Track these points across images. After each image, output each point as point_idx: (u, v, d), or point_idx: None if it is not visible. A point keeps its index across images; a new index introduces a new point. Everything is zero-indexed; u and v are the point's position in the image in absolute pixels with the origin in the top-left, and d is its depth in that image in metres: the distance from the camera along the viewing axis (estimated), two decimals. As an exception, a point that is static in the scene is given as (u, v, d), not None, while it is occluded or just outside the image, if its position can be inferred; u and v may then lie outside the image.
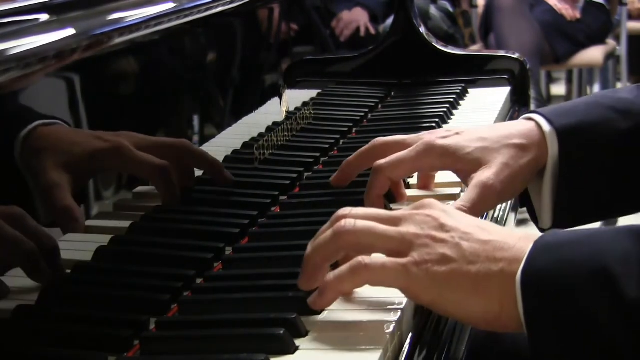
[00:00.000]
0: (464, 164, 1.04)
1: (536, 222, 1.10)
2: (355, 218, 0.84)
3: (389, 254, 0.82)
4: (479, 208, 1.01)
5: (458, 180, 1.14)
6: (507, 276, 0.78)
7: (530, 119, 1.07)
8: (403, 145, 1.08)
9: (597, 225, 0.98)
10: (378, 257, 0.81)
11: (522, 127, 1.06)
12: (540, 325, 0.76)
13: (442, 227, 0.82)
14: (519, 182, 1.04)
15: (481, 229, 0.82)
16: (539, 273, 0.77)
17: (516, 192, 1.06)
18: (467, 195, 1.01)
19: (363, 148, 1.12)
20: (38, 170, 0.89)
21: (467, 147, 1.05)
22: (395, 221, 0.84)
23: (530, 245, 0.79)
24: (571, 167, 1.05)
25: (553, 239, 0.79)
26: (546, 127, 1.05)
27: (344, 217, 0.85)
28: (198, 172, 1.17)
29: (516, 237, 0.81)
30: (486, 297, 0.79)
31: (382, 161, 1.07)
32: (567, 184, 1.05)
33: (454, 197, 1.14)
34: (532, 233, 0.82)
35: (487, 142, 1.04)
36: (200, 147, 1.21)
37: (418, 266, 0.80)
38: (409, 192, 1.15)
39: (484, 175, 1.02)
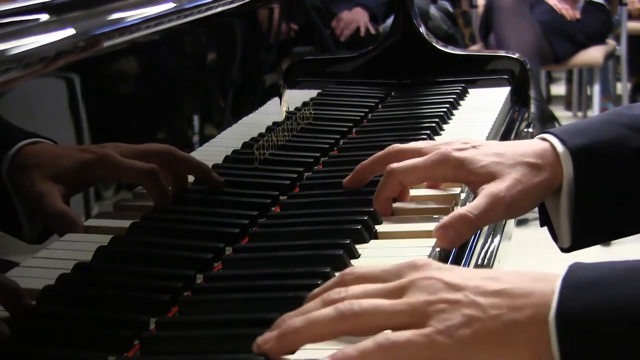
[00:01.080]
0: (477, 176, 1.04)
1: (556, 241, 1.10)
2: (353, 297, 0.78)
3: (399, 328, 0.75)
4: (485, 217, 1.00)
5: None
6: (536, 322, 0.73)
7: (544, 139, 1.07)
8: (419, 153, 1.08)
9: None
10: (400, 333, 0.74)
11: (537, 146, 1.06)
12: None
13: (450, 287, 0.76)
14: (530, 199, 1.04)
15: (489, 279, 0.76)
16: (576, 315, 0.72)
17: (526, 210, 1.05)
18: (475, 202, 1.01)
19: (378, 153, 1.12)
20: (27, 186, 0.89)
21: (482, 160, 1.04)
22: (397, 292, 0.77)
23: (556, 285, 0.74)
24: (586, 187, 1.04)
25: (586, 275, 0.74)
26: (560, 147, 1.05)
27: (342, 298, 0.78)
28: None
29: (529, 280, 0.76)
30: (519, 350, 0.73)
31: (395, 165, 1.07)
32: (583, 204, 1.05)
33: (454, 197, 1.14)
34: (543, 272, 0.77)
35: (502, 157, 1.04)
36: (200, 147, 1.21)
37: (442, 334, 0.74)
38: (413, 192, 1.15)
39: (495, 186, 1.02)
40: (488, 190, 1.01)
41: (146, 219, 1.04)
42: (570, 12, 4.54)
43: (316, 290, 0.81)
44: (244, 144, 1.32)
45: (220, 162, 1.25)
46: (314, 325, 0.76)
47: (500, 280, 0.76)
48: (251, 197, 1.15)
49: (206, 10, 1.23)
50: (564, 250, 1.09)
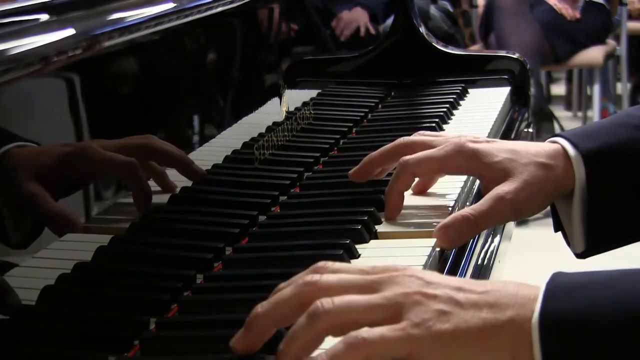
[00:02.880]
0: (490, 171, 1.04)
1: (570, 246, 1.09)
2: (326, 286, 0.74)
3: (377, 325, 0.72)
4: (487, 219, 1.00)
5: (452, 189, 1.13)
6: (518, 324, 0.71)
7: (555, 142, 1.06)
8: (429, 145, 1.07)
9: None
10: (372, 329, 0.71)
11: (549, 148, 1.05)
12: None
13: (429, 284, 0.73)
14: (539, 200, 1.03)
15: (471, 283, 0.75)
16: (560, 316, 0.71)
17: (535, 211, 1.04)
18: (479, 204, 1.00)
19: (388, 145, 1.11)
20: (13, 190, 0.88)
21: (496, 155, 1.04)
22: (374, 287, 0.74)
23: (540, 290, 0.73)
24: (599, 191, 1.04)
25: (569, 280, 0.73)
26: (571, 151, 1.04)
27: (314, 284, 0.74)
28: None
29: (513, 285, 0.74)
30: (496, 350, 0.71)
31: (408, 157, 1.06)
32: (596, 208, 1.04)
33: (446, 208, 1.13)
34: (526, 283, 0.75)
35: (515, 154, 1.04)
36: (200, 147, 1.21)
37: (418, 327, 0.71)
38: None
39: (503, 188, 1.01)
40: (495, 192, 1.01)
41: (146, 219, 1.04)
42: (570, 12, 4.54)
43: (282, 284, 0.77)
44: (244, 144, 1.32)
45: (220, 162, 1.25)
46: (295, 339, 0.72)
47: (483, 284, 0.74)
48: (251, 197, 1.15)
49: (206, 10, 1.23)
50: (578, 255, 1.09)
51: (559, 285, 0.73)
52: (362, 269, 0.77)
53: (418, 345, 0.71)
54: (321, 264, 0.77)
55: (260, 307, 0.74)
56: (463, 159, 1.05)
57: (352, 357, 0.70)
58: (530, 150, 1.05)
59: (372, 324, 0.72)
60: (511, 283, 0.74)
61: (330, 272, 0.76)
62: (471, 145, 1.05)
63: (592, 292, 0.72)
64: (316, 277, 0.75)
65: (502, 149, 1.05)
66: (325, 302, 0.72)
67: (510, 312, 0.72)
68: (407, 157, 1.06)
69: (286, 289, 0.75)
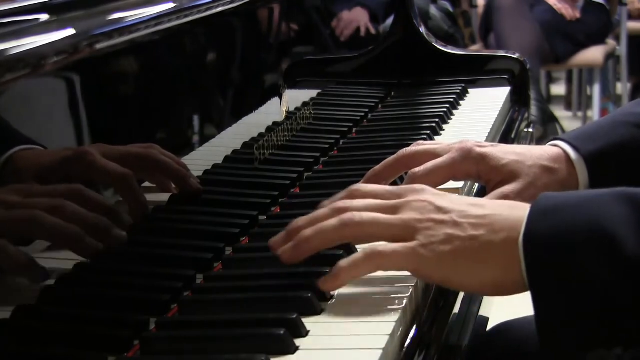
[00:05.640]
0: (499, 174, 1.04)
1: None
2: (357, 209, 0.88)
3: (392, 241, 0.86)
4: None
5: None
6: (509, 244, 0.83)
7: (556, 145, 1.07)
8: (433, 155, 1.07)
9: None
10: (387, 244, 0.86)
11: (552, 152, 1.06)
12: (543, 286, 0.81)
13: (439, 210, 0.87)
14: None
15: (474, 206, 0.87)
16: (538, 236, 0.82)
17: None
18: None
19: (390, 158, 1.10)
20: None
21: (503, 158, 1.05)
22: (394, 209, 0.88)
23: (526, 211, 0.83)
24: None
25: (549, 202, 0.84)
26: (573, 155, 1.05)
27: (347, 209, 0.89)
28: (198, 172, 1.17)
29: (507, 207, 0.86)
30: (491, 265, 0.84)
31: (417, 169, 1.06)
32: None
33: (457, 191, 1.13)
34: (519, 204, 0.87)
35: (521, 157, 1.05)
36: (200, 147, 1.21)
37: (425, 248, 0.84)
38: None
39: (508, 187, 1.03)
40: (499, 190, 1.03)
41: (146, 219, 1.04)
42: (569, 12, 4.54)
43: (326, 202, 0.93)
44: (244, 144, 1.32)
45: (220, 162, 1.25)
46: (322, 233, 0.88)
47: (483, 207, 0.86)
48: (251, 197, 1.15)
49: (206, 10, 1.23)
50: None
51: (539, 209, 0.84)
52: (387, 188, 0.93)
53: (424, 262, 0.84)
54: (355, 187, 0.94)
55: (308, 232, 0.88)
56: (472, 164, 1.05)
57: (368, 265, 0.86)
58: (534, 153, 1.05)
59: (388, 240, 0.86)
60: (504, 205, 0.87)
61: (361, 195, 0.92)
62: (478, 149, 1.05)
63: (564, 214, 0.82)
64: (348, 203, 0.90)
65: (507, 151, 1.06)
66: (357, 216, 0.87)
67: (503, 235, 0.84)
68: (416, 169, 1.06)
69: (329, 222, 0.88)
